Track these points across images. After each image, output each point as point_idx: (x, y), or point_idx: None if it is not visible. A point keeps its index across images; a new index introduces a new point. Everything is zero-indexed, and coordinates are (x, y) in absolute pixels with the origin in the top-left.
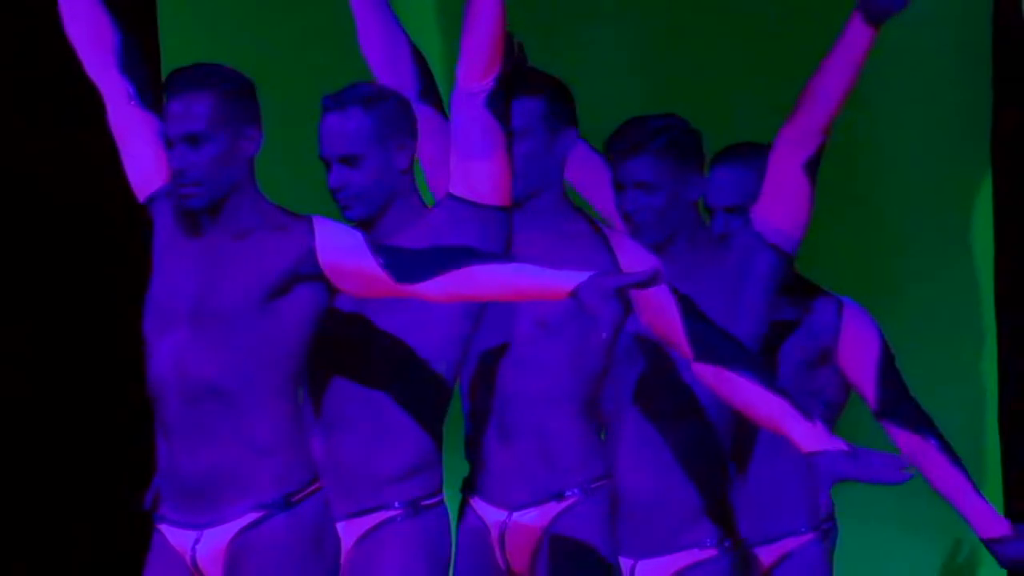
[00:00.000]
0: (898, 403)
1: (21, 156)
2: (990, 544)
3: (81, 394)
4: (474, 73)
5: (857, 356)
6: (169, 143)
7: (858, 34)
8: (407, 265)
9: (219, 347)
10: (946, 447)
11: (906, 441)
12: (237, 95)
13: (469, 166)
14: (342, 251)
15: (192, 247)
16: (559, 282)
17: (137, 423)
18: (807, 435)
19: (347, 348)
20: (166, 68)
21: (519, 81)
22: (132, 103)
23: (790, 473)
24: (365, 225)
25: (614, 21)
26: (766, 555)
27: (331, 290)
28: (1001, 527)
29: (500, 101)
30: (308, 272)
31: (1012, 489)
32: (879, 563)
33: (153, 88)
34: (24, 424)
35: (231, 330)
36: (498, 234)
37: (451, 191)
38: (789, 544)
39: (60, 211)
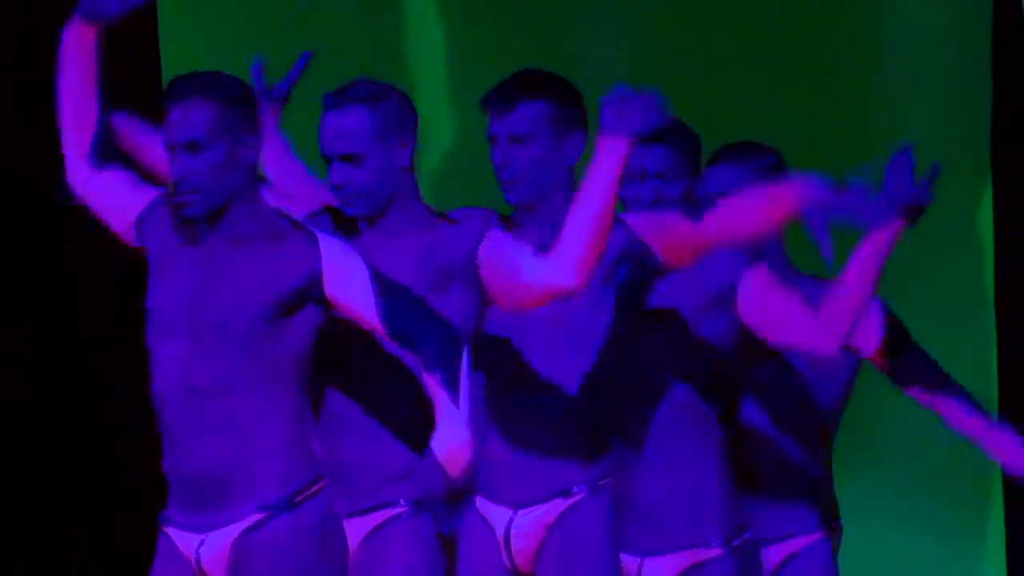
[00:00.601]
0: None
1: (21, 156)
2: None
3: (81, 394)
4: (562, 277)
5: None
6: (169, 150)
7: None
8: (404, 329)
9: (222, 355)
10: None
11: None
12: (237, 102)
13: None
14: (348, 292)
15: (191, 255)
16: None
17: (137, 423)
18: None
19: (350, 349)
20: (167, 72)
21: (526, 83)
22: (97, 173)
23: (797, 472)
24: (367, 222)
25: (613, 18)
26: (774, 554)
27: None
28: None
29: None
30: (315, 295)
31: (1012, 489)
32: (880, 563)
33: (114, 148)
34: (24, 424)
35: (234, 339)
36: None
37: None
38: (797, 543)
39: (60, 211)
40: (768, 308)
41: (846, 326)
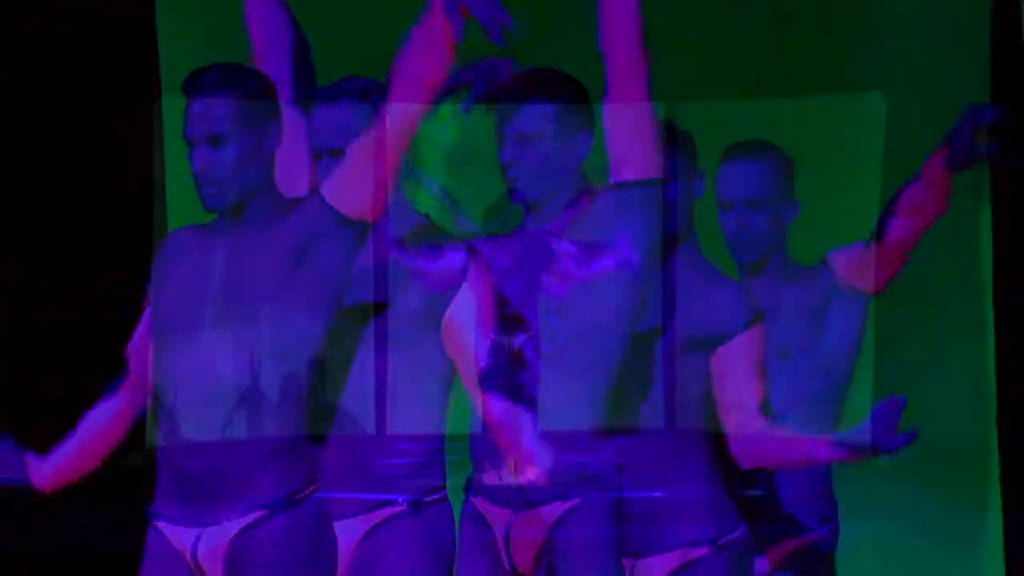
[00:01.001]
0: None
1: (20, 155)
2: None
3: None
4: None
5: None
6: (190, 143)
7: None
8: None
9: (244, 350)
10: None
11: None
12: (259, 95)
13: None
14: (337, 169)
15: (216, 250)
16: None
17: (137, 423)
18: None
19: (351, 350)
20: (166, 70)
21: (535, 82)
22: (129, 383)
23: (792, 473)
24: None
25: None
26: (771, 555)
27: (352, 251)
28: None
29: None
30: (325, 226)
31: (1012, 488)
32: (880, 563)
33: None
34: (23, 423)
35: (258, 333)
36: None
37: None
38: (794, 543)
39: (60, 209)
40: (730, 379)
41: (759, 465)
